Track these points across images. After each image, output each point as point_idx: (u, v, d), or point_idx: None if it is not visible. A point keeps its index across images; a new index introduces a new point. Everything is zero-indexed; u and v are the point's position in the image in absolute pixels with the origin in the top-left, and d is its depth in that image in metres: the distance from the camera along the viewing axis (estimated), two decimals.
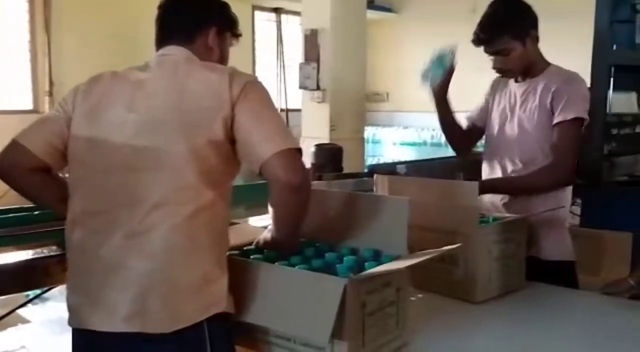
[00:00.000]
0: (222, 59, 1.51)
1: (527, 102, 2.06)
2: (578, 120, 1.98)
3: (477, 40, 2.02)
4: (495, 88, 2.23)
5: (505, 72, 2.09)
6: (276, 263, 1.42)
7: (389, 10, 9.96)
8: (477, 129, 2.28)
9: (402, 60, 10.05)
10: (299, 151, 1.31)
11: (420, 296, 1.73)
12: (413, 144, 8.76)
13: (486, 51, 2.04)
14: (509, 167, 2.10)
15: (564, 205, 2.05)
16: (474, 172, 3.09)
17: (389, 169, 2.69)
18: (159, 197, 1.27)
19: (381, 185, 1.92)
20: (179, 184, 1.27)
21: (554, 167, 1.98)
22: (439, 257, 1.47)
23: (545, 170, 1.98)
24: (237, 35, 1.56)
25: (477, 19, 2.04)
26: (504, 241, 1.78)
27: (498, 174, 2.14)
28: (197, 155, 1.28)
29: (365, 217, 1.54)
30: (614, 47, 3.24)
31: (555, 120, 1.98)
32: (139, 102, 1.33)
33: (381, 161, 7.59)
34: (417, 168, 2.90)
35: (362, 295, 1.27)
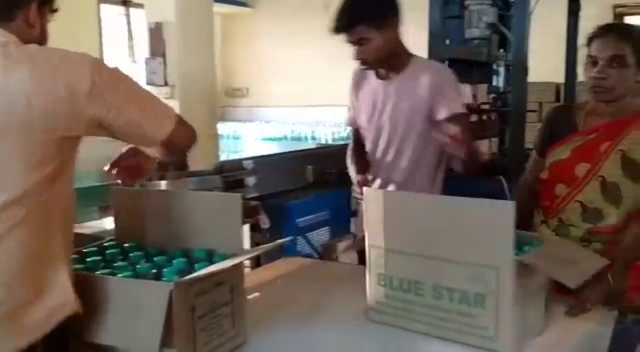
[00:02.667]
0: (43, 38, 1.38)
1: (400, 98, 2.02)
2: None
3: (335, 29, 1.95)
4: (356, 83, 2.18)
5: (365, 63, 2.02)
6: (97, 272, 1.32)
7: (243, 4, 9.89)
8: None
9: (260, 55, 10.05)
10: None
11: (257, 294, 1.71)
12: (274, 139, 8.79)
13: (346, 41, 1.97)
14: (397, 162, 2.08)
15: None
16: (324, 165, 3.15)
17: (235, 165, 2.65)
18: None
19: (375, 201, 1.55)
20: None
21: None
22: None
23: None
24: (54, 10, 1.42)
25: (331, 13, 1.99)
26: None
27: (384, 168, 2.11)
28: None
29: (199, 217, 1.48)
30: (447, 42, 3.46)
31: (446, 115, 1.94)
32: None
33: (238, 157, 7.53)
34: (266, 163, 2.89)
35: (190, 298, 1.22)
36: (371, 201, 1.53)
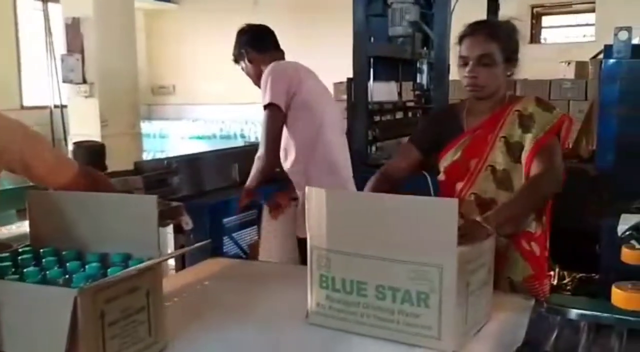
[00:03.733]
0: None
1: None
2: (271, 106, 2.33)
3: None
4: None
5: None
6: (6, 278, 1.24)
7: (169, 1, 9.67)
8: None
9: (186, 52, 9.86)
10: None
11: (176, 299, 1.66)
12: (202, 138, 8.64)
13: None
14: None
15: None
16: (251, 163, 3.10)
17: (156, 164, 2.57)
18: None
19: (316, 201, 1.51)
20: None
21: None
22: None
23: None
24: None
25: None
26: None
27: None
28: None
29: (115, 220, 1.42)
30: (372, 40, 3.49)
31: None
32: None
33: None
34: (190, 162, 2.81)
35: (99, 304, 1.16)
36: (312, 200, 1.49)
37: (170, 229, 2.38)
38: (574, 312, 1.57)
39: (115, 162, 2.72)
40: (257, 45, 2.55)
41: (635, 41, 3.04)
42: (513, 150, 1.77)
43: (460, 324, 1.36)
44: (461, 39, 1.79)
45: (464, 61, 1.76)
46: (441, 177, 1.88)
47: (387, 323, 1.40)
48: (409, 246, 1.35)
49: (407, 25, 3.35)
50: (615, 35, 2.95)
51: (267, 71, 2.38)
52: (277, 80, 2.34)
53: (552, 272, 3.85)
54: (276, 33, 2.58)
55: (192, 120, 9.51)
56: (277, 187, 2.55)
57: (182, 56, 9.93)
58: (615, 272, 1.64)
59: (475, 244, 1.43)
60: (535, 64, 7.27)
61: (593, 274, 3.32)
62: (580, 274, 3.82)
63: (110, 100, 4.86)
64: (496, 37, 1.75)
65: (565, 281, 3.88)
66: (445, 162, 1.86)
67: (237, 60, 2.61)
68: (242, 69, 2.60)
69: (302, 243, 1.96)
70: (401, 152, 2.03)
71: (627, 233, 1.26)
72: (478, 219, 1.56)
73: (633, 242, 1.25)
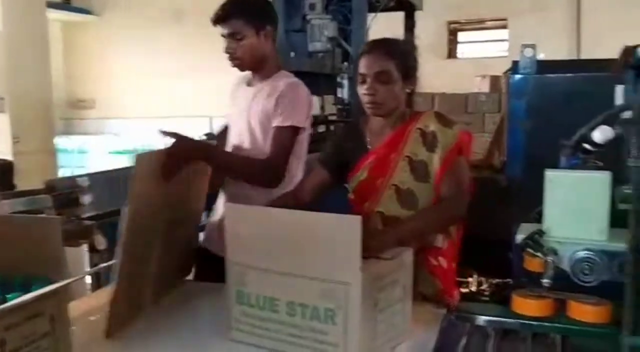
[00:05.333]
0: None
1: (255, 104, 2.02)
2: (293, 128, 1.96)
3: (215, 18, 1.99)
4: (233, 95, 2.20)
5: (235, 58, 2.02)
6: None
7: (87, 12, 9.39)
8: None
9: (107, 65, 9.60)
10: None
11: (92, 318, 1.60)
12: (123, 153, 8.40)
13: (222, 35, 2.00)
14: None
15: None
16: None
17: (68, 182, 2.48)
18: None
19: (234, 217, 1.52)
20: None
21: (266, 165, 1.95)
22: None
23: (258, 164, 1.96)
24: None
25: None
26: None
27: None
28: None
29: (18, 242, 1.36)
30: (293, 55, 3.53)
31: (274, 124, 1.96)
32: None
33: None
34: (103, 179, 2.73)
35: None
36: (231, 216, 1.50)
37: (86, 248, 2.31)
38: (482, 319, 1.64)
39: (28, 180, 2.61)
40: (276, 28, 2.13)
41: (540, 57, 3.22)
42: (417, 169, 1.78)
43: (368, 341, 1.38)
44: (360, 56, 1.80)
45: (362, 79, 1.77)
46: (351, 195, 1.89)
47: (297, 339, 1.41)
48: (317, 262, 1.37)
49: (326, 40, 3.40)
50: (522, 52, 3.12)
51: (297, 88, 2.01)
52: (308, 104, 2.04)
53: (470, 279, 4.00)
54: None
55: (113, 134, 9.25)
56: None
57: (102, 69, 9.66)
58: (523, 279, 1.73)
59: (386, 262, 1.45)
60: (452, 78, 7.62)
61: (509, 280, 3.46)
62: (497, 280, 3.99)
63: (22, 116, 4.65)
64: (393, 54, 1.77)
65: (483, 287, 4.03)
66: (353, 183, 1.86)
67: (243, 30, 1.98)
68: (234, 38, 1.99)
69: (209, 258, 1.95)
70: (311, 174, 1.98)
71: (524, 242, 1.32)
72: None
73: (530, 250, 1.32)
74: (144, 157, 1.71)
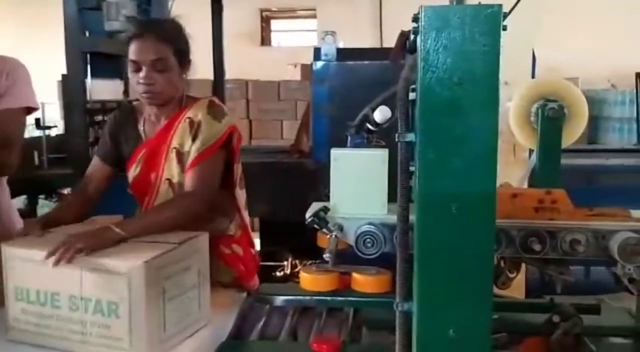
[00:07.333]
0: None
1: None
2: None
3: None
4: None
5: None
6: None
7: None
8: None
9: None
10: None
11: None
12: None
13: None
14: None
15: None
16: None
17: None
18: None
19: None
20: None
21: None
22: None
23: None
24: None
25: None
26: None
27: None
28: None
29: None
30: (87, 34, 3.27)
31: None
32: None
33: None
34: None
35: None
36: None
37: None
38: (280, 299, 1.66)
39: None
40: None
41: (340, 45, 3.35)
42: (185, 161, 1.68)
43: (156, 332, 1.33)
44: (130, 40, 1.63)
45: (136, 66, 1.61)
46: (130, 190, 1.77)
47: (80, 336, 1.34)
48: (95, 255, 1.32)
49: (125, 20, 3.19)
50: (322, 39, 3.22)
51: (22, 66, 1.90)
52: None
53: (285, 262, 4.09)
54: None
55: None
56: None
57: None
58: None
59: (172, 249, 1.39)
60: (267, 66, 7.69)
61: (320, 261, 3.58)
62: (310, 262, 4.12)
63: None
64: (168, 39, 1.63)
65: (297, 270, 4.14)
66: (130, 176, 1.75)
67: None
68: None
69: None
70: (93, 170, 1.78)
71: (310, 219, 1.35)
72: (113, 226, 1.44)
73: (316, 227, 1.35)
74: None
